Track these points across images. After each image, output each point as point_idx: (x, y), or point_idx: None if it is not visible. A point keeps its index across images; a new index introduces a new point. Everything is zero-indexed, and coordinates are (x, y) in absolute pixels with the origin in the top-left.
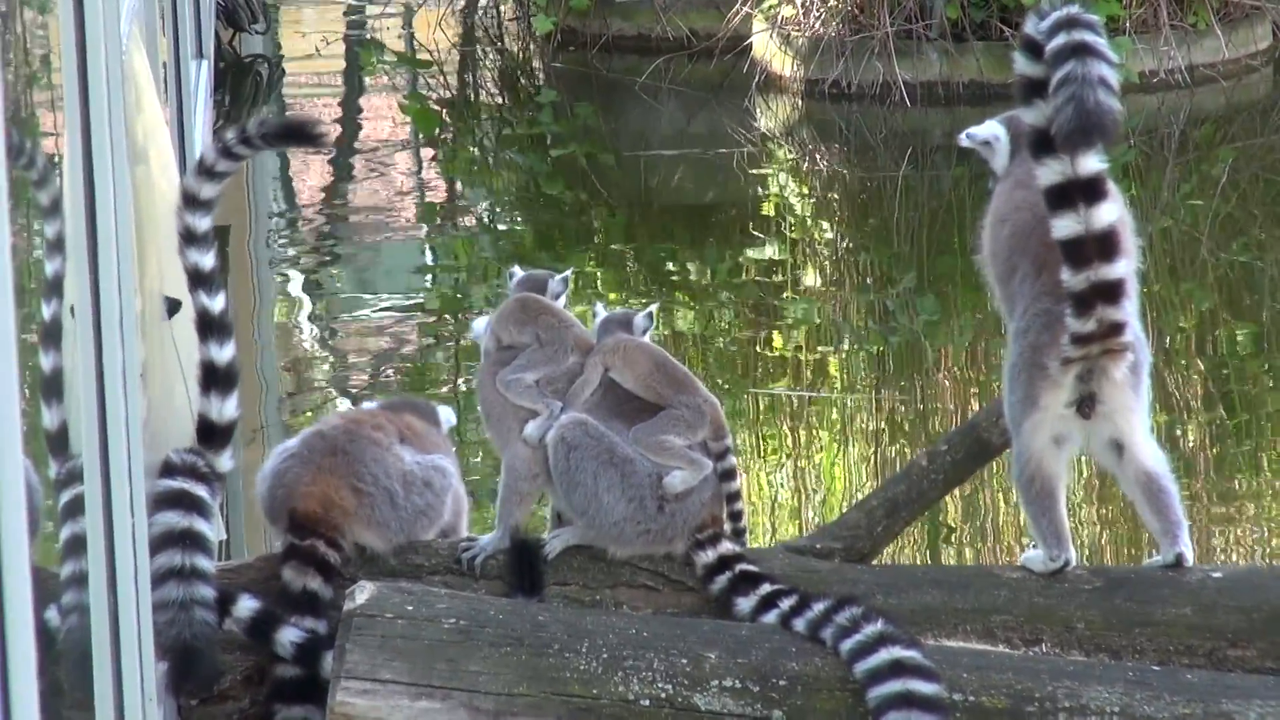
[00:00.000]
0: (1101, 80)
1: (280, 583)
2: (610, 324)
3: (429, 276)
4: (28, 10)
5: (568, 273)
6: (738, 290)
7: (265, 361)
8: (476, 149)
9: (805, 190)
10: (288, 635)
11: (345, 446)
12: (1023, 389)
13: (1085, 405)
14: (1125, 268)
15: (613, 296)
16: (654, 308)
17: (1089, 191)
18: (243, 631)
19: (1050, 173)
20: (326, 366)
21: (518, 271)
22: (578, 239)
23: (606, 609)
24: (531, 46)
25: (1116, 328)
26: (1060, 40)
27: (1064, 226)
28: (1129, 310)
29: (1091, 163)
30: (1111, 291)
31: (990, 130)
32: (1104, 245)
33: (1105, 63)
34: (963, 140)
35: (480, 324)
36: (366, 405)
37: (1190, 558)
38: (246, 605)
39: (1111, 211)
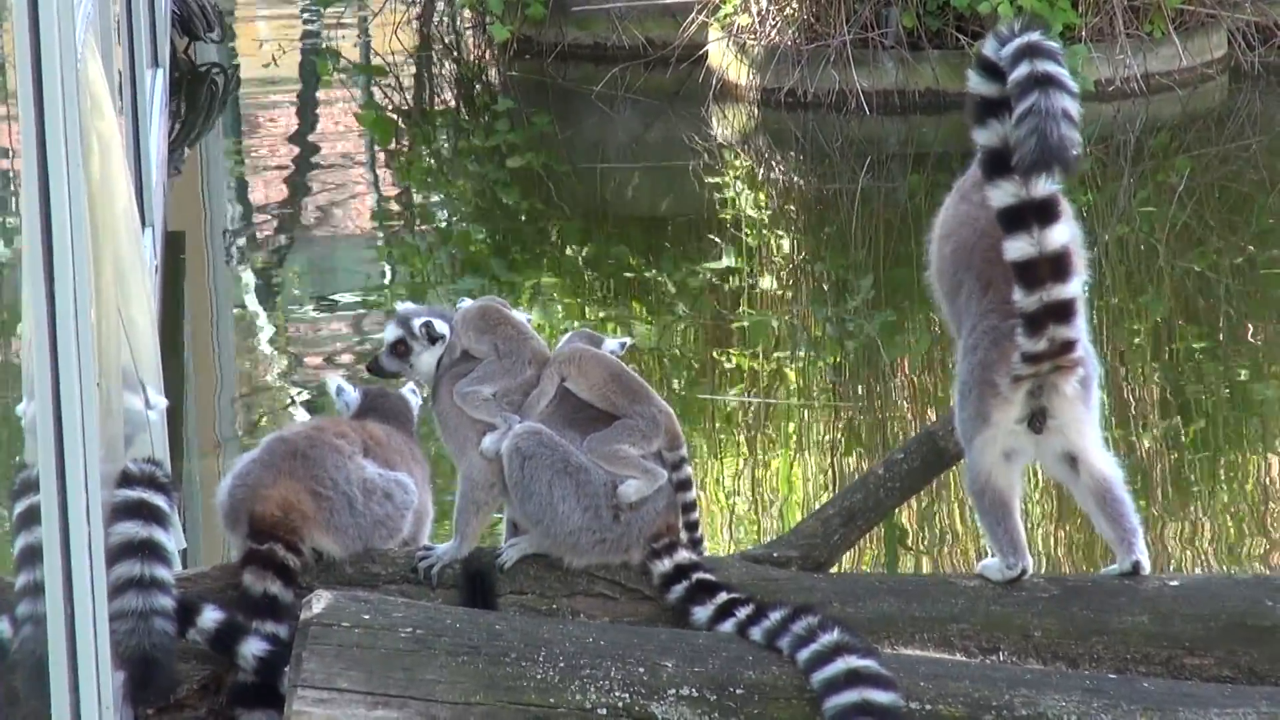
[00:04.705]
0: (1064, 113)
1: (240, 589)
2: (576, 337)
3: (384, 285)
4: None
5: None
6: (694, 299)
7: (224, 371)
8: (432, 158)
9: (762, 199)
10: (250, 648)
11: (306, 451)
12: (973, 406)
13: (1036, 420)
14: (1078, 287)
15: (569, 304)
16: (630, 341)
17: (1042, 213)
18: (206, 642)
19: (1003, 194)
20: (283, 375)
21: (467, 301)
22: (534, 248)
23: (563, 618)
24: (488, 55)
25: (1068, 345)
26: (1024, 70)
27: (1017, 248)
28: (1080, 326)
29: (1045, 184)
30: (1064, 311)
31: None
32: (1057, 266)
33: (1067, 94)
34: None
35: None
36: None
37: (1147, 566)
38: (211, 616)
39: (1064, 233)
